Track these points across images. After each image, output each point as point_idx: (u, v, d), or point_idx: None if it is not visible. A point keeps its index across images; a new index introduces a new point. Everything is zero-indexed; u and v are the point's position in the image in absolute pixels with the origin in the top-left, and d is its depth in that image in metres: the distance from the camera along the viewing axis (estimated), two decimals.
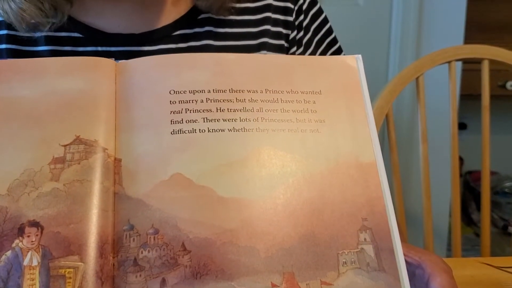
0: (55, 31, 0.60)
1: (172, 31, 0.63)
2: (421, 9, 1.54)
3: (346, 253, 0.39)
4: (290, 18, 0.69)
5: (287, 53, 0.69)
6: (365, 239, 0.40)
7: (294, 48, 0.69)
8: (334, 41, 0.75)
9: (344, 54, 0.75)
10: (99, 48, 0.61)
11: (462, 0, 1.53)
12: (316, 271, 0.38)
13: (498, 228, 1.77)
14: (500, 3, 1.69)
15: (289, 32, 0.69)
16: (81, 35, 0.61)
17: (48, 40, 0.60)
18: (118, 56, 0.60)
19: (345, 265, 0.39)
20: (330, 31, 0.74)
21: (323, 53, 0.73)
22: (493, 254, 1.07)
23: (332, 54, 0.74)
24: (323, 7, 0.74)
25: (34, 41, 0.61)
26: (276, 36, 0.68)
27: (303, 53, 0.70)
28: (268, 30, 0.67)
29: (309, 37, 0.71)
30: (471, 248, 1.68)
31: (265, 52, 0.66)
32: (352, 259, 0.39)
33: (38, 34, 0.60)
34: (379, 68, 1.58)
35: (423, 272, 0.45)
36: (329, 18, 0.75)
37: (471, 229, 1.84)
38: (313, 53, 0.72)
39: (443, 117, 1.16)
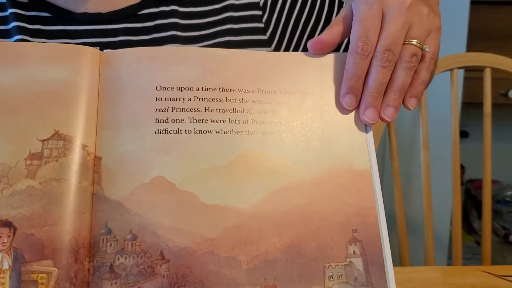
0: (24, 10, 0.62)
1: (138, 10, 0.64)
2: None
3: (333, 266, 0.37)
4: None
5: (261, 21, 0.66)
6: (354, 252, 0.38)
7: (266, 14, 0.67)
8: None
9: None
10: (67, 27, 0.62)
11: (465, 8, 1.53)
12: (300, 285, 0.36)
13: (499, 237, 1.76)
14: (503, 11, 1.68)
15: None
16: (49, 15, 0.63)
17: (17, 18, 0.62)
18: (85, 34, 0.62)
19: (331, 279, 0.36)
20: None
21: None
22: (494, 263, 1.07)
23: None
24: None
25: (5, 20, 0.62)
26: (242, 7, 0.67)
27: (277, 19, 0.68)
28: (232, 4, 0.67)
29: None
30: (472, 256, 1.68)
31: (231, 26, 0.65)
32: (339, 273, 0.37)
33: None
34: None
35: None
36: None
37: (472, 238, 1.83)
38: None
39: (444, 125, 1.16)
